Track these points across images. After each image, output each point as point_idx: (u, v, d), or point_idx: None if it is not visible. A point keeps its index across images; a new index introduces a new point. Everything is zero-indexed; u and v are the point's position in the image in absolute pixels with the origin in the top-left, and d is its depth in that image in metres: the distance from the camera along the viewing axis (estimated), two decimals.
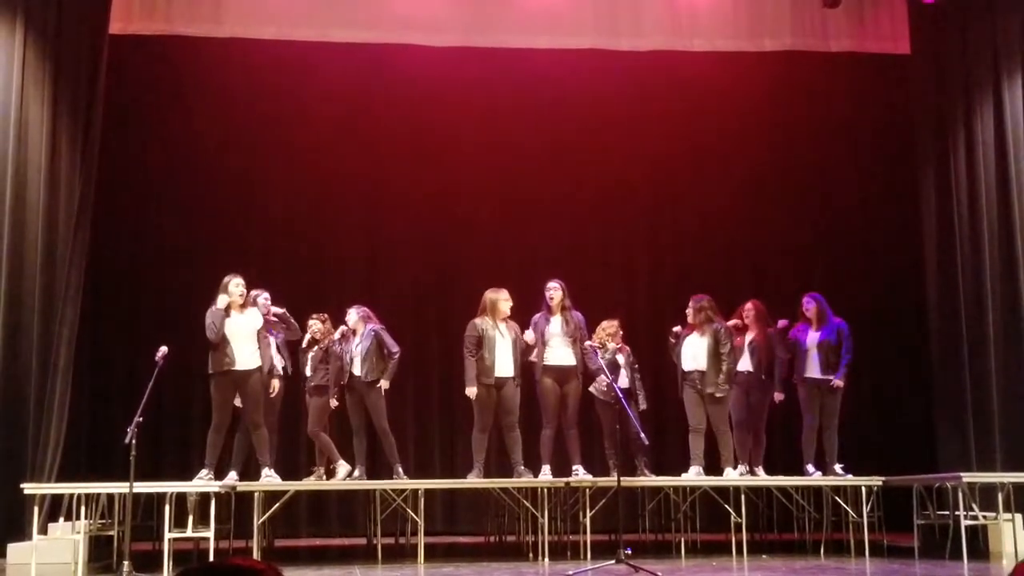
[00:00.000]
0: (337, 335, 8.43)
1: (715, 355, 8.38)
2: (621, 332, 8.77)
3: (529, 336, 8.33)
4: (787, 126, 10.75)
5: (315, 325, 8.56)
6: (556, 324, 8.35)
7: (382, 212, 10.58)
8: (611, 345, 8.59)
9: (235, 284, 7.94)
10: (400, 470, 8.34)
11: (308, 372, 8.53)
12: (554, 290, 8.37)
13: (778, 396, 8.80)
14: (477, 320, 8.36)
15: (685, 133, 10.68)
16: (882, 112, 10.54)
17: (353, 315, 8.39)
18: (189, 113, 10.20)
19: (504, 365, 8.26)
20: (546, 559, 7.80)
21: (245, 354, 7.91)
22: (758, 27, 10.01)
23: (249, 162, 10.37)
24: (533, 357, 8.38)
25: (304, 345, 8.58)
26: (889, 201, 10.51)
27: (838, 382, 8.56)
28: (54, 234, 8.34)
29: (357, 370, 8.26)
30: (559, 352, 8.33)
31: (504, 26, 9.87)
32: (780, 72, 10.46)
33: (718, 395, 8.37)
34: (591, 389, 8.60)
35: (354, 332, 8.35)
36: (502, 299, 8.34)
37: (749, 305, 8.87)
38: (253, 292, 8.14)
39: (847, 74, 10.50)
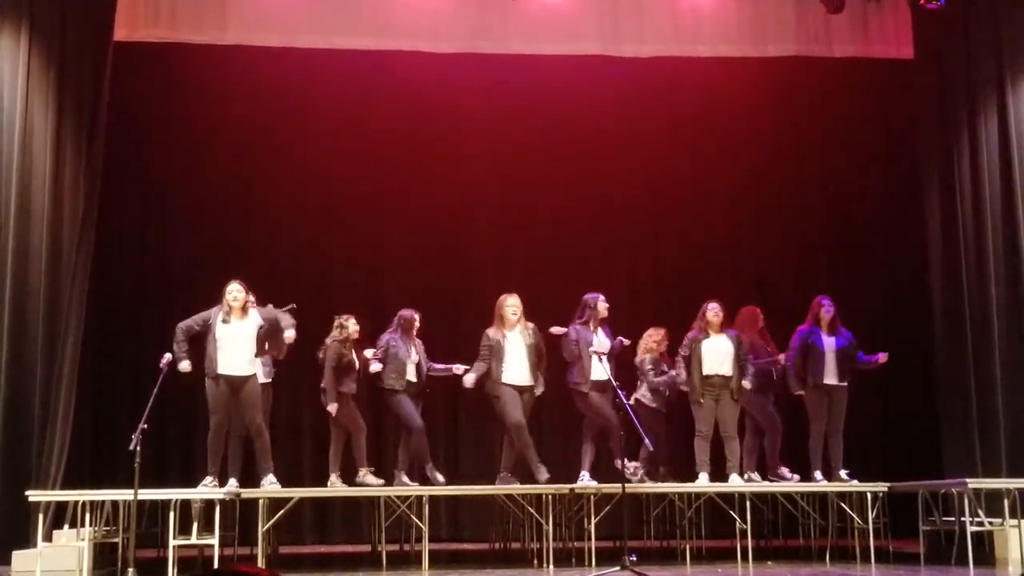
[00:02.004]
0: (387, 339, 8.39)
1: (738, 361, 8.43)
2: (652, 340, 8.77)
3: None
4: (791, 131, 10.75)
5: (353, 325, 8.42)
6: (600, 337, 8.38)
7: (387, 218, 10.59)
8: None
9: (228, 290, 7.95)
10: (404, 476, 8.36)
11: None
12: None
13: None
14: (490, 330, 8.37)
15: (689, 139, 10.68)
16: (886, 117, 10.53)
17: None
18: (193, 120, 10.22)
19: (518, 373, 8.23)
20: (551, 566, 7.79)
21: (240, 360, 7.90)
22: (761, 33, 10.01)
23: (253, 168, 10.38)
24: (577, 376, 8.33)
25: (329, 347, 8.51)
26: (893, 206, 10.49)
27: (884, 357, 8.61)
28: (58, 242, 8.35)
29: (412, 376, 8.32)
30: (599, 367, 8.24)
31: (507, 32, 9.87)
32: (784, 77, 10.45)
33: (737, 399, 8.44)
34: (638, 396, 8.65)
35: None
36: (504, 305, 8.33)
37: (742, 310, 8.89)
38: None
39: (851, 79, 10.49)
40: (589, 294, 8.53)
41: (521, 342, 8.26)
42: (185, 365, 7.89)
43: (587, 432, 8.48)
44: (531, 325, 8.38)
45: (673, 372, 8.58)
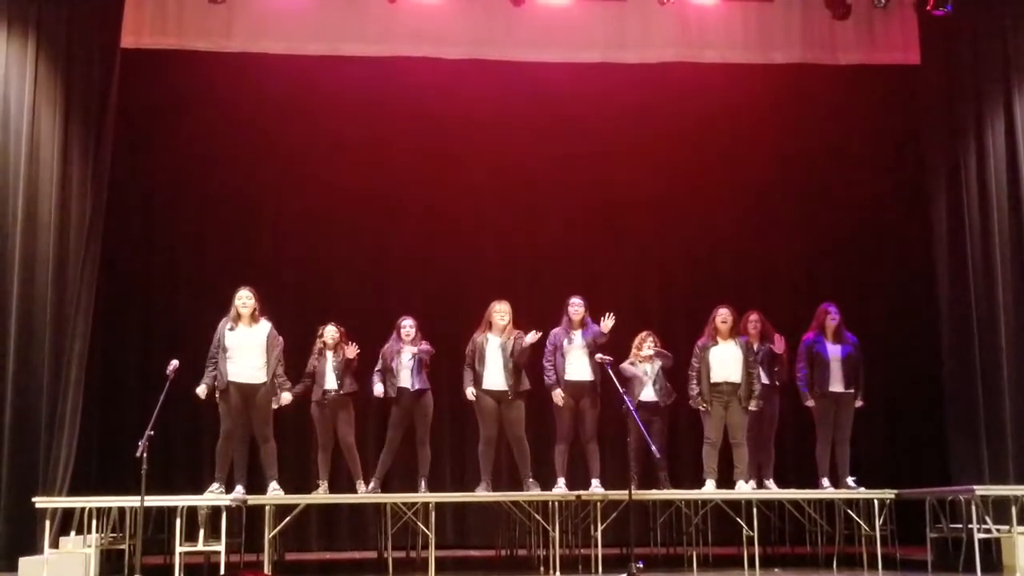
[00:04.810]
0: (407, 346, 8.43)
1: (747, 367, 8.41)
2: (653, 344, 8.77)
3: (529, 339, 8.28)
4: (797, 138, 10.73)
5: (333, 332, 8.54)
6: (577, 339, 8.37)
7: (392, 224, 10.59)
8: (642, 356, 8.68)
9: (238, 296, 7.96)
10: (424, 483, 8.38)
11: (335, 382, 8.43)
12: (579, 306, 8.41)
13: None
14: (476, 334, 8.42)
15: (695, 145, 10.67)
16: (892, 123, 10.52)
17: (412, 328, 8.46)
18: (200, 127, 10.23)
19: (497, 378, 8.27)
20: (557, 573, 7.78)
21: (250, 367, 7.90)
22: (768, 39, 9.99)
23: (259, 175, 10.38)
24: (549, 374, 8.40)
25: (318, 353, 8.53)
26: (900, 212, 10.47)
27: (861, 404, 8.65)
28: (65, 248, 8.37)
29: (406, 383, 8.34)
30: (575, 367, 8.33)
31: (514, 39, 9.86)
32: (790, 84, 10.44)
33: (752, 408, 8.42)
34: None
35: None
36: (493, 311, 8.38)
37: (755, 317, 8.89)
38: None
39: (857, 85, 10.48)
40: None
41: (499, 347, 8.30)
42: (201, 390, 7.94)
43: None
44: (516, 332, 8.39)
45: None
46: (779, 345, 8.81)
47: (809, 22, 9.95)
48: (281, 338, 8.20)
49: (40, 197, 8.34)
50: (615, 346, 8.68)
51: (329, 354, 8.47)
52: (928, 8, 9.15)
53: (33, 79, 8.40)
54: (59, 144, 8.46)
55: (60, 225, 8.37)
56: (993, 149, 9.04)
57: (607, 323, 8.26)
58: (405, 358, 8.38)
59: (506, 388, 8.28)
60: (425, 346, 8.49)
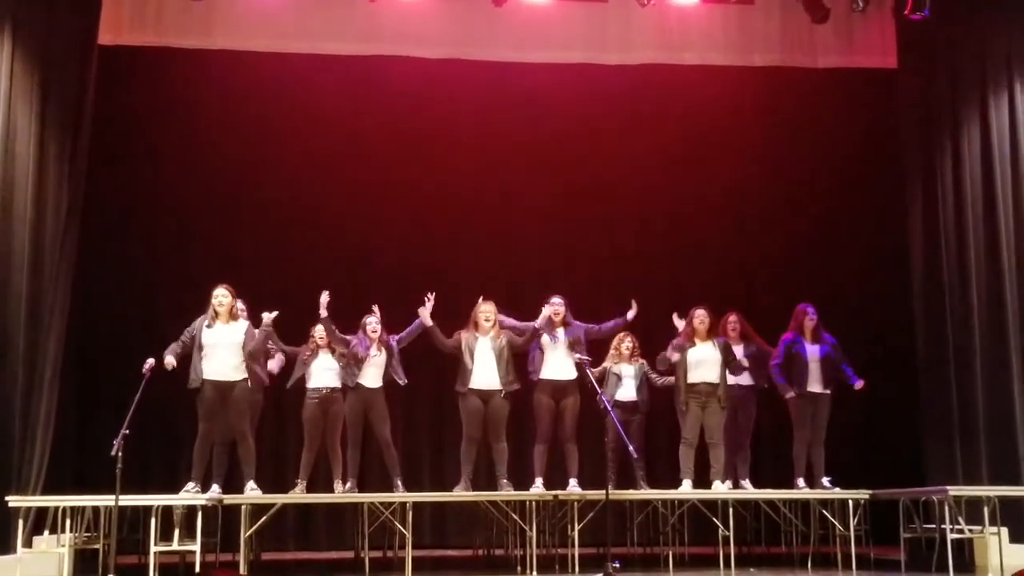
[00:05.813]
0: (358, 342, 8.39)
1: (724, 368, 8.45)
2: (631, 345, 8.78)
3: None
4: (776, 140, 10.80)
5: (317, 332, 8.50)
6: (559, 338, 8.39)
7: (375, 223, 10.57)
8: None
9: (215, 295, 7.92)
10: (399, 483, 8.34)
11: (331, 380, 8.38)
12: (560, 306, 8.43)
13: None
14: (463, 332, 8.41)
15: (674, 146, 10.72)
16: (870, 126, 10.59)
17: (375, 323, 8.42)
18: (179, 125, 10.18)
19: (486, 377, 8.28)
20: (534, 572, 7.80)
21: (227, 366, 7.86)
22: (747, 42, 10.06)
23: (240, 174, 10.35)
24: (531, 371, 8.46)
25: (308, 354, 8.51)
26: (876, 215, 10.55)
27: (860, 384, 8.64)
28: (41, 246, 8.29)
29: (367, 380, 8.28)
30: (557, 367, 8.34)
31: (495, 39, 9.89)
32: (769, 86, 10.51)
33: (724, 407, 8.44)
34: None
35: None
36: (479, 312, 8.40)
37: (734, 318, 8.93)
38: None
39: (836, 88, 10.55)
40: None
41: (490, 348, 8.31)
42: (170, 360, 7.77)
43: None
44: (504, 331, 8.41)
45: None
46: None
47: (788, 25, 10.02)
48: (257, 331, 8.15)
49: (15, 193, 8.24)
50: (600, 346, 8.73)
51: (321, 353, 8.44)
52: (906, 12, 9.20)
53: (9, 74, 8.30)
54: (35, 140, 8.38)
55: (36, 222, 8.29)
56: (969, 152, 9.11)
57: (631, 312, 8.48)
58: (372, 356, 8.34)
59: (496, 387, 8.28)
60: (395, 338, 8.43)
